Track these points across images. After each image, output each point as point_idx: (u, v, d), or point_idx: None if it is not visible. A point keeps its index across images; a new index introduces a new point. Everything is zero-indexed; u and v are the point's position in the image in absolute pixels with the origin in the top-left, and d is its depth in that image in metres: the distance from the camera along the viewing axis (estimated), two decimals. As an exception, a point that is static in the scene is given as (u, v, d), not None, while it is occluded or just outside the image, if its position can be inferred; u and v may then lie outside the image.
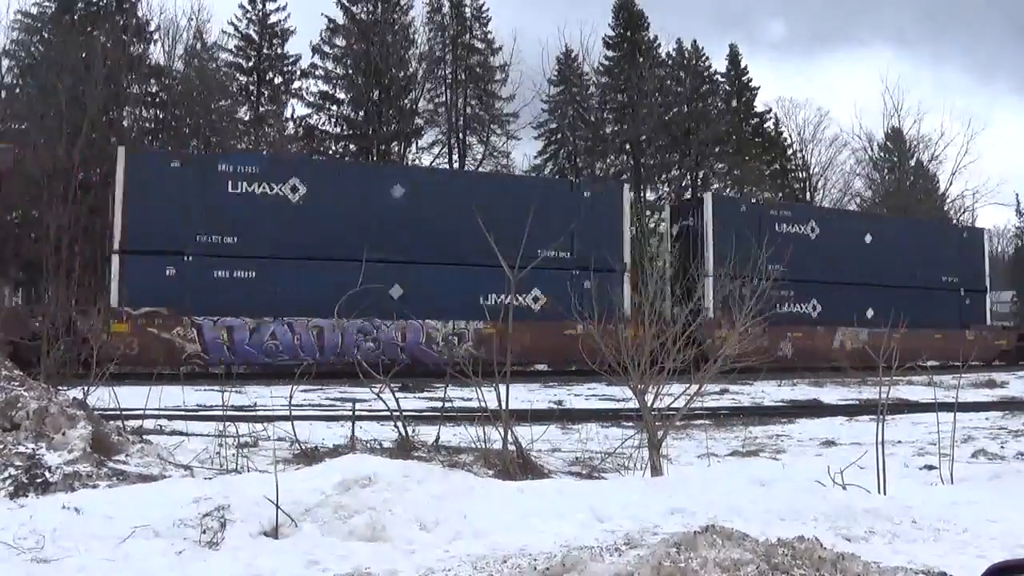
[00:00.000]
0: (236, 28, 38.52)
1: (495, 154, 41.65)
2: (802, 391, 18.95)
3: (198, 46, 35.95)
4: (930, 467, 7.85)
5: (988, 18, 70.24)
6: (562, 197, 23.39)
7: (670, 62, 45.36)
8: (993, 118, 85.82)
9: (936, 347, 26.23)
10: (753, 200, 34.74)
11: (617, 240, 23.30)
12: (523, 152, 44.43)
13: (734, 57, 47.27)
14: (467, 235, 20.76)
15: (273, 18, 39.00)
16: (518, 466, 6.99)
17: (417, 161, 40.02)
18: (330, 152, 38.80)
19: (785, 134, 47.60)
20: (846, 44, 69.58)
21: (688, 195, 41.14)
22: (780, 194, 45.08)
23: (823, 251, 26.24)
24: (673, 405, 7.33)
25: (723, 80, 46.97)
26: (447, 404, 9.27)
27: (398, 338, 21.09)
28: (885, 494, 6.12)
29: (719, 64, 46.96)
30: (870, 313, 25.26)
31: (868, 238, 27.82)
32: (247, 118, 38.18)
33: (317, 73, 39.34)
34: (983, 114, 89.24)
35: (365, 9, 39.65)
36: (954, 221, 46.34)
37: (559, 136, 44.19)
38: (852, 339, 25.47)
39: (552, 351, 21.46)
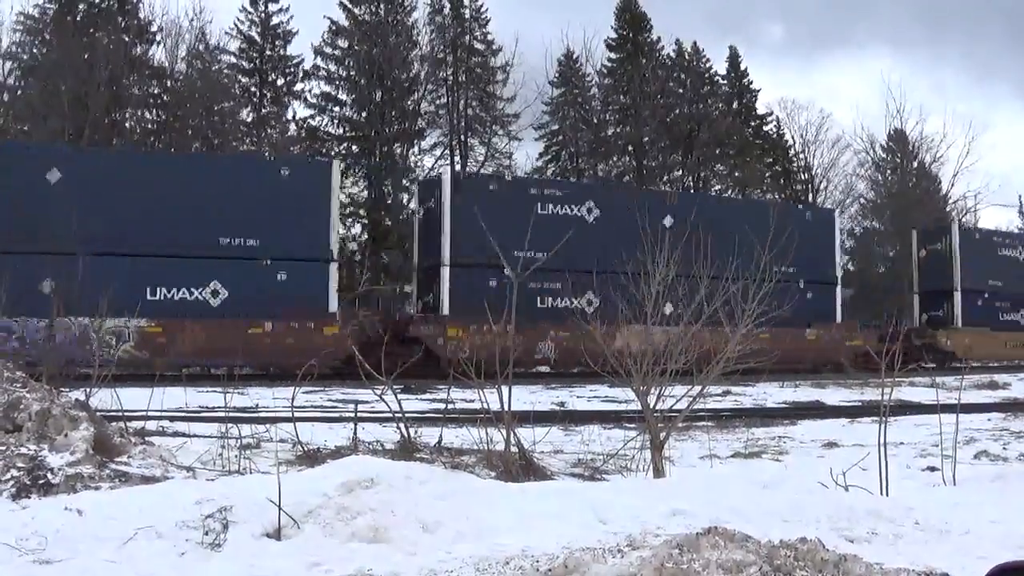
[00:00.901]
0: (238, 30, 38.60)
1: (497, 155, 41.69)
2: (804, 393, 18.96)
3: (200, 48, 36.01)
4: (932, 468, 7.84)
5: (986, 21, 70.14)
6: (256, 177, 21.19)
7: (670, 63, 45.38)
8: (993, 120, 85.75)
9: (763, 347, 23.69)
10: (509, 177, 29.92)
11: (322, 225, 20.90)
12: (525, 153, 44.47)
13: (734, 59, 47.32)
14: (134, 222, 19.32)
15: (275, 19, 39.08)
16: (520, 468, 6.99)
17: (420, 162, 40.14)
18: (332, 153, 38.81)
19: (787, 136, 47.64)
20: (845, 47, 69.54)
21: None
22: (781, 195, 45.03)
23: (603, 236, 22.25)
24: (675, 407, 7.33)
25: (723, 82, 46.99)
26: (449, 406, 9.28)
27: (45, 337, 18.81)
28: (887, 495, 6.12)
29: (719, 66, 47.05)
30: (668, 309, 22.84)
31: (668, 221, 23.11)
32: (249, 120, 38.23)
33: (319, 74, 39.39)
34: (982, 116, 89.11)
35: (368, 10, 39.68)
36: (955, 217, 45.70)
37: (561, 138, 44.20)
38: (642, 339, 22.62)
39: (233, 353, 17.15)
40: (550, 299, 22.32)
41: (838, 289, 27.51)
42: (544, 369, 23.64)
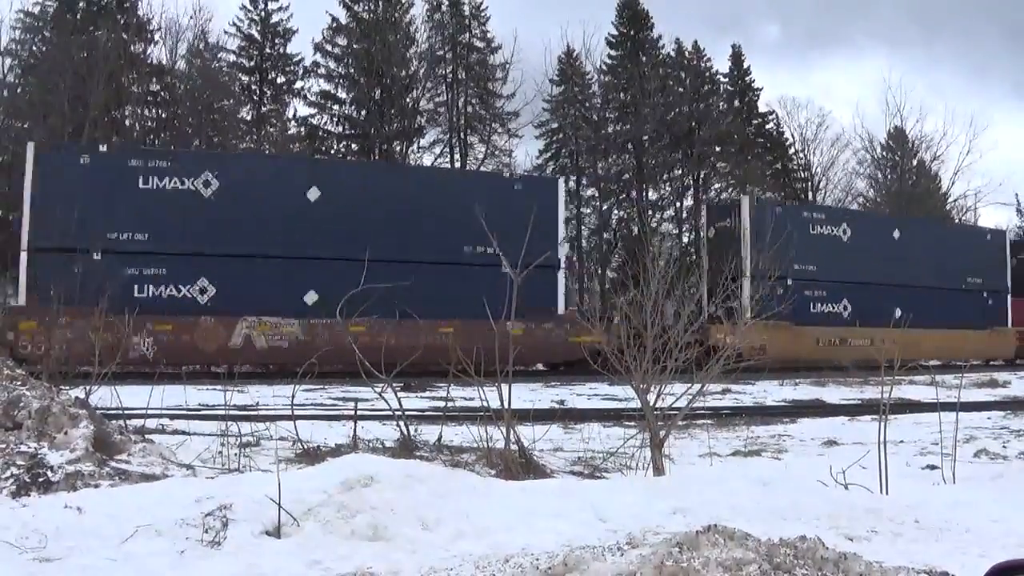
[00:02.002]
0: (238, 28, 38.61)
1: (497, 153, 41.66)
2: (804, 391, 18.95)
3: (201, 46, 35.99)
4: (932, 467, 7.84)
5: (980, 22, 70.11)
6: None
7: (671, 61, 45.36)
8: (988, 121, 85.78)
9: (457, 342, 19.01)
10: (103, 147, 23.23)
11: None
12: (525, 151, 44.40)
13: (737, 58, 47.28)
14: None
15: (275, 18, 39.11)
16: (520, 466, 6.99)
17: (419, 161, 40.07)
18: (332, 152, 38.79)
19: (787, 134, 47.63)
20: (841, 48, 69.51)
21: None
22: (782, 193, 44.97)
23: (226, 212, 19.53)
24: (675, 405, 7.33)
25: (725, 80, 46.98)
26: (449, 404, 9.28)
27: None
28: (887, 494, 6.12)
29: (720, 64, 47.04)
30: (311, 298, 19.42)
31: (313, 193, 20.43)
32: (249, 118, 38.23)
33: (319, 72, 39.38)
34: (979, 116, 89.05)
35: (366, 8, 39.66)
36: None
37: (561, 135, 44.18)
38: (273, 333, 19.54)
39: None
40: (151, 287, 19.30)
41: (561, 274, 22.31)
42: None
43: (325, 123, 39.65)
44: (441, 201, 20.88)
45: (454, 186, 22.91)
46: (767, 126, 47.66)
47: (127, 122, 34.39)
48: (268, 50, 39.06)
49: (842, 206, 42.61)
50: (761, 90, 47.44)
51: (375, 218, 19.98)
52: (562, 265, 22.27)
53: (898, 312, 24.67)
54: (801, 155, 47.34)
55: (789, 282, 24.25)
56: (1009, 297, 30.86)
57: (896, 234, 28.28)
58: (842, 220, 27.87)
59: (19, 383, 6.91)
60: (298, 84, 39.63)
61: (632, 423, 9.77)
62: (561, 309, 22.04)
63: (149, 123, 35.56)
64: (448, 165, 39.79)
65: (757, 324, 9.34)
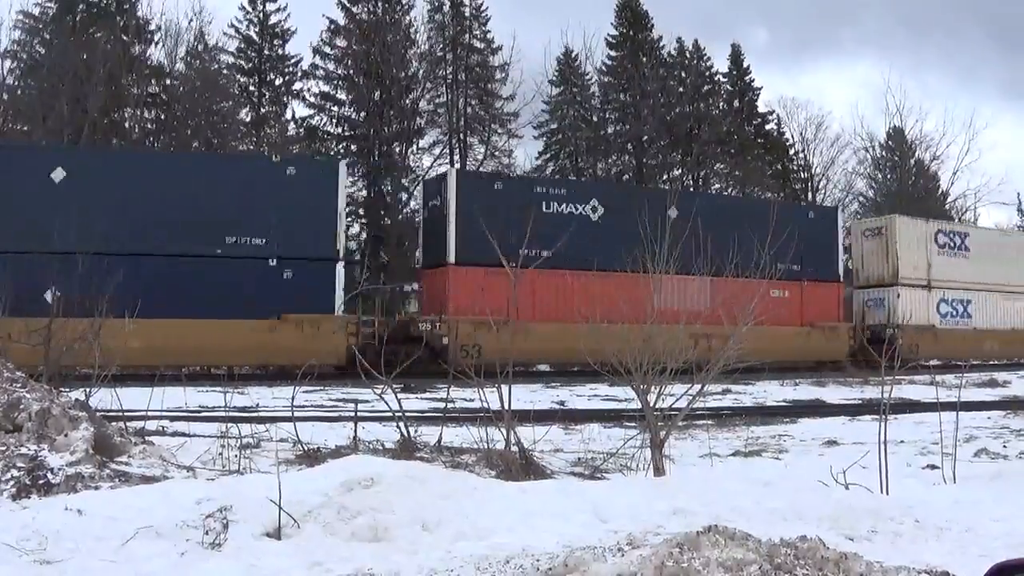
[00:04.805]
0: (237, 29, 38.56)
1: (496, 154, 41.62)
2: (805, 391, 18.95)
3: (199, 47, 35.98)
4: (932, 467, 7.85)
5: (966, 24, 70.17)
6: None
7: (671, 62, 45.37)
8: (979, 121, 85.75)
9: None
10: None
11: None
12: (525, 151, 44.32)
13: (736, 57, 47.27)
14: None
15: (273, 19, 39.02)
16: (520, 467, 6.99)
17: (419, 161, 40.09)
18: (331, 153, 38.77)
19: (787, 134, 47.62)
20: (830, 52, 69.60)
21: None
22: (781, 193, 44.97)
23: None
24: (675, 405, 7.32)
25: (725, 80, 46.99)
26: (449, 405, 9.28)
27: None
28: (888, 494, 6.12)
29: (719, 65, 47.03)
30: None
31: None
32: (248, 119, 38.17)
33: (318, 74, 39.36)
34: (971, 117, 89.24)
35: (366, 9, 39.64)
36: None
37: (560, 136, 44.17)
38: None
39: None
40: None
41: None
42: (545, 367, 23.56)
43: (324, 124, 39.62)
44: None
45: None
46: (767, 126, 47.68)
47: (127, 124, 34.38)
48: (267, 51, 39.02)
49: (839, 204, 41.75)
50: (761, 90, 47.47)
51: None
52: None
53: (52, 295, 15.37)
54: (801, 155, 47.39)
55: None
56: (340, 267, 19.94)
57: (57, 176, 18.51)
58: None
59: (19, 385, 6.91)
60: (297, 85, 39.61)
61: (632, 424, 9.77)
62: None
63: (148, 125, 35.55)
64: (448, 166, 39.75)
65: None
